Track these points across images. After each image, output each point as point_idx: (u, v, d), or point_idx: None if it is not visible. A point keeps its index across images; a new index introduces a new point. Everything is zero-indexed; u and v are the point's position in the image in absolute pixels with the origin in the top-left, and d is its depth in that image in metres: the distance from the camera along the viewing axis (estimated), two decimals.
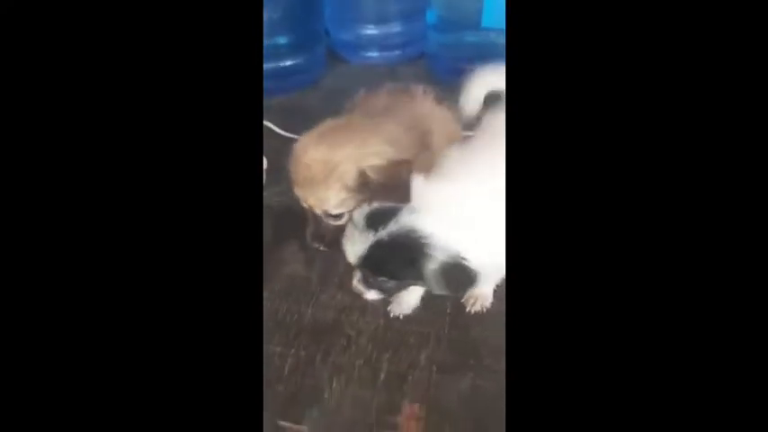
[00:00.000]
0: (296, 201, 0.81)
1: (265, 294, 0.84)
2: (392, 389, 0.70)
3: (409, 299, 0.79)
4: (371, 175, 0.72)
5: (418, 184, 0.66)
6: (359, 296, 0.69)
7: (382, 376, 0.71)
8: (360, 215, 0.65)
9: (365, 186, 0.73)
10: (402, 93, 0.91)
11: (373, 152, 0.73)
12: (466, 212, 0.65)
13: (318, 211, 0.77)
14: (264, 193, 1.04)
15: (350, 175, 0.73)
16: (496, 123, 0.76)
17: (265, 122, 1.25)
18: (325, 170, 0.73)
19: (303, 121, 1.24)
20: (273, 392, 0.70)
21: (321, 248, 0.81)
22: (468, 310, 0.79)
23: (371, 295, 0.69)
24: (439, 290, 0.66)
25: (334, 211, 0.76)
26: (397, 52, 1.58)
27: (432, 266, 0.62)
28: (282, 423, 0.66)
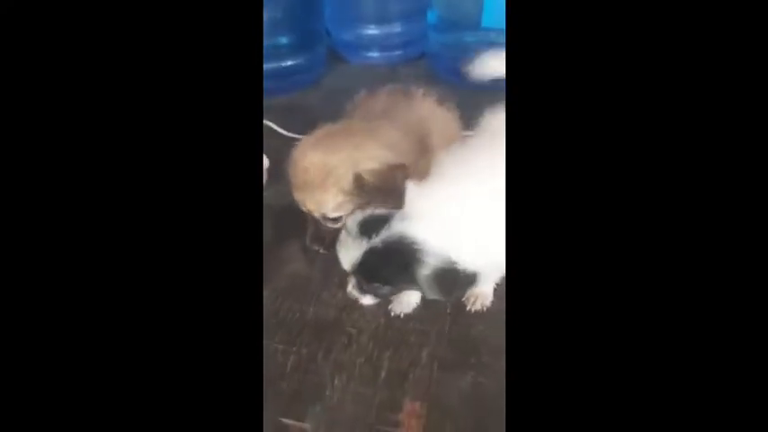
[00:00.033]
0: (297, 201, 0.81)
1: (267, 293, 0.85)
2: (393, 387, 0.70)
3: (409, 298, 0.79)
4: (367, 178, 0.73)
5: (412, 189, 0.67)
6: None
7: (383, 374, 0.72)
8: (353, 222, 0.67)
9: (361, 190, 0.74)
10: (402, 94, 0.91)
11: (369, 156, 0.74)
12: (465, 212, 0.66)
13: (317, 215, 0.78)
14: (266, 193, 1.04)
15: (346, 179, 0.74)
16: (496, 123, 0.77)
17: (267, 122, 1.25)
18: (322, 174, 0.74)
19: (304, 120, 1.25)
20: (276, 390, 0.70)
21: (321, 251, 0.81)
22: (468, 308, 0.79)
23: (366, 300, 0.71)
24: (432, 294, 0.68)
25: (332, 215, 0.76)
26: (397, 52, 1.59)
27: (424, 272, 0.64)
28: (285, 420, 0.67)
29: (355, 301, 0.71)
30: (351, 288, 0.71)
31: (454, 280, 0.66)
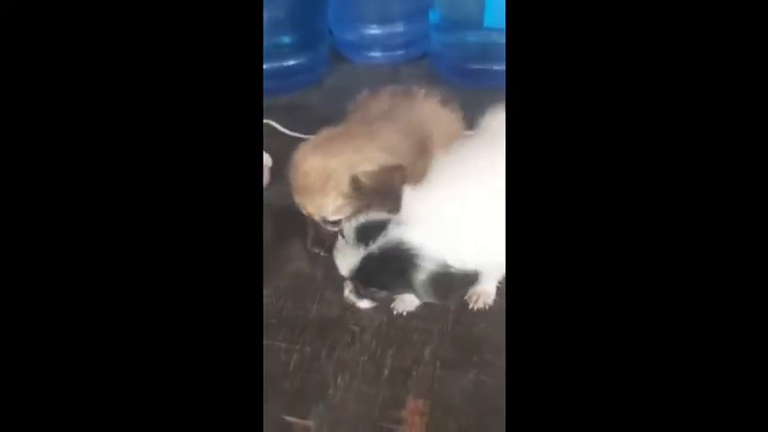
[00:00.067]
0: None
1: (270, 291, 0.85)
2: (396, 384, 0.70)
3: (412, 297, 0.80)
4: (363, 180, 0.74)
5: (410, 192, 0.69)
6: None
7: (386, 372, 0.72)
8: (350, 229, 0.68)
9: (359, 192, 0.74)
10: (403, 95, 0.91)
11: (367, 158, 0.75)
12: (465, 212, 0.67)
13: (317, 218, 0.79)
14: (268, 192, 1.05)
15: (345, 182, 0.75)
16: (496, 123, 0.77)
17: (270, 121, 1.26)
18: (321, 178, 0.75)
19: (307, 119, 1.26)
20: (279, 388, 0.70)
21: (322, 254, 0.82)
22: (470, 307, 0.80)
23: (364, 304, 0.73)
24: (427, 298, 0.69)
25: (332, 218, 0.77)
26: (399, 52, 1.59)
27: (421, 277, 0.65)
28: (288, 418, 0.67)
29: None
30: (348, 293, 0.73)
31: (450, 284, 0.67)
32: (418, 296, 0.71)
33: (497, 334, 0.76)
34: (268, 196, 1.02)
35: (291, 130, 1.23)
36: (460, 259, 0.66)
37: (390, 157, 0.75)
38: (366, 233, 0.66)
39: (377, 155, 0.75)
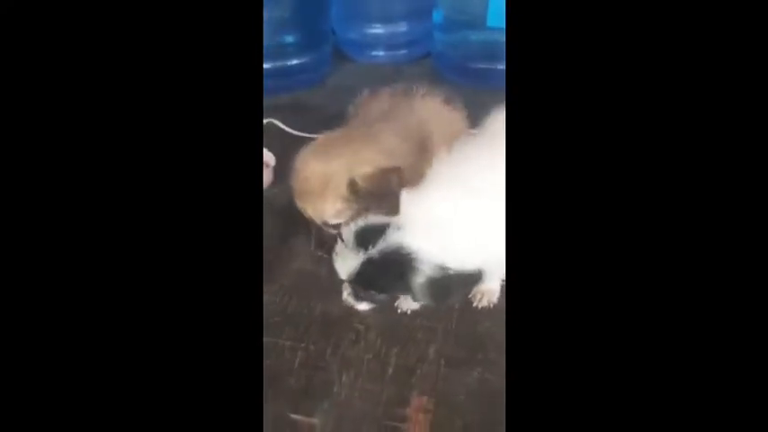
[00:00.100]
0: None
1: (275, 289, 0.85)
2: (401, 382, 0.71)
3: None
4: (360, 183, 0.74)
5: (409, 194, 0.69)
6: None
7: (390, 370, 0.72)
8: (349, 233, 0.69)
9: (356, 195, 0.75)
10: (403, 95, 0.92)
11: (365, 161, 0.76)
12: (466, 211, 0.67)
13: (319, 222, 0.80)
14: (272, 190, 1.05)
15: (343, 186, 0.75)
16: (499, 123, 0.77)
17: (273, 120, 1.26)
18: (321, 182, 0.76)
19: (310, 118, 1.27)
20: (284, 386, 0.71)
21: (324, 256, 0.83)
22: (475, 305, 0.80)
23: (362, 306, 0.73)
24: (425, 300, 0.69)
25: (333, 221, 0.78)
26: (402, 51, 1.59)
27: (419, 280, 0.66)
28: (294, 416, 0.67)
29: None
30: (346, 295, 0.74)
31: (448, 287, 0.68)
32: (416, 299, 0.72)
33: (501, 332, 0.76)
34: (272, 195, 1.03)
35: (295, 129, 1.24)
36: (460, 260, 0.67)
37: (389, 159, 0.76)
38: (365, 237, 0.67)
39: (375, 157, 0.76)
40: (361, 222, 0.69)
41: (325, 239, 0.81)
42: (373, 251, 0.66)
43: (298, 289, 0.85)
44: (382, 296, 0.72)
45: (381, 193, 0.72)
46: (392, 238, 0.66)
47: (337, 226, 0.78)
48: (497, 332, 0.76)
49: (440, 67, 1.50)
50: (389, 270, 0.66)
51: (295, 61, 1.43)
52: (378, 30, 1.55)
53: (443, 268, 0.66)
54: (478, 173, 0.69)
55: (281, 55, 1.40)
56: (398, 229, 0.66)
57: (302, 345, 0.76)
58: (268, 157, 1.09)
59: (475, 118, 0.88)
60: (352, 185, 0.74)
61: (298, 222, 0.85)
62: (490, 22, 1.32)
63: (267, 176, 1.07)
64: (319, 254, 0.83)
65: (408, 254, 0.65)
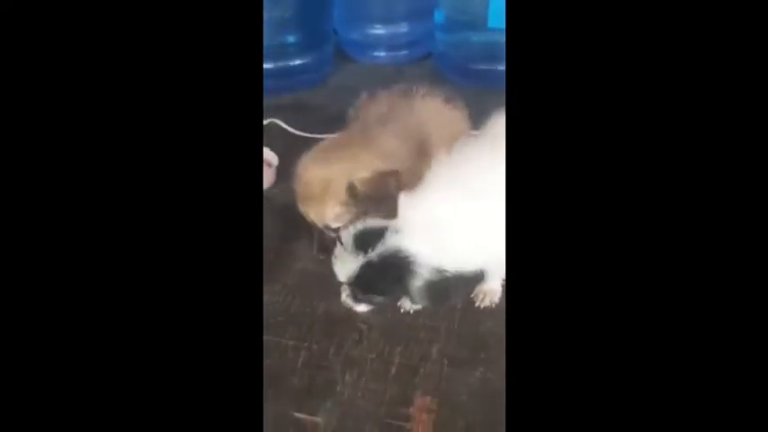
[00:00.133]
0: None
1: (278, 289, 0.86)
2: (404, 382, 0.71)
3: None
4: (359, 187, 0.75)
5: (408, 197, 0.70)
6: None
7: (394, 370, 0.73)
8: (348, 236, 0.69)
9: (355, 199, 0.76)
10: (403, 97, 0.92)
11: (363, 166, 0.77)
12: (466, 213, 0.67)
13: (320, 225, 0.81)
14: (274, 190, 1.05)
15: (342, 190, 0.76)
16: (499, 125, 0.77)
17: (275, 120, 1.26)
18: (321, 187, 0.77)
19: (312, 118, 1.27)
20: (288, 385, 0.71)
21: (326, 260, 0.83)
22: (477, 305, 0.80)
23: (361, 308, 0.74)
24: (423, 303, 0.70)
25: (333, 225, 0.79)
26: (404, 52, 1.59)
27: (417, 283, 0.66)
28: (297, 415, 0.67)
29: None
30: (345, 297, 0.74)
31: (446, 289, 0.69)
32: (414, 302, 0.72)
33: (503, 332, 0.76)
34: (274, 194, 1.03)
35: (297, 128, 1.24)
36: (460, 262, 0.68)
37: (388, 163, 0.77)
38: (364, 240, 0.68)
39: (373, 162, 0.77)
40: (359, 225, 0.70)
41: (327, 243, 0.82)
42: (372, 254, 0.67)
43: (301, 288, 0.86)
44: (380, 298, 0.72)
45: (379, 197, 0.73)
46: (390, 242, 0.66)
47: (338, 229, 0.78)
48: (499, 332, 0.76)
49: (441, 68, 1.50)
50: (388, 273, 0.67)
51: (297, 61, 1.43)
52: (379, 30, 1.56)
53: (441, 271, 0.66)
54: (479, 174, 0.70)
55: (284, 55, 1.41)
56: (397, 232, 0.67)
57: (305, 344, 0.77)
58: (271, 156, 1.09)
59: (477, 119, 0.88)
60: (351, 190, 0.76)
61: (300, 222, 0.85)
62: (491, 23, 1.32)
63: (270, 176, 1.07)
64: (321, 257, 0.84)
65: (406, 257, 0.66)
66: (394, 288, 0.69)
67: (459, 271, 0.68)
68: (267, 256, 0.89)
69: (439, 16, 1.44)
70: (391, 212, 0.70)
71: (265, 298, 0.84)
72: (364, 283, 0.69)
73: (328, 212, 0.78)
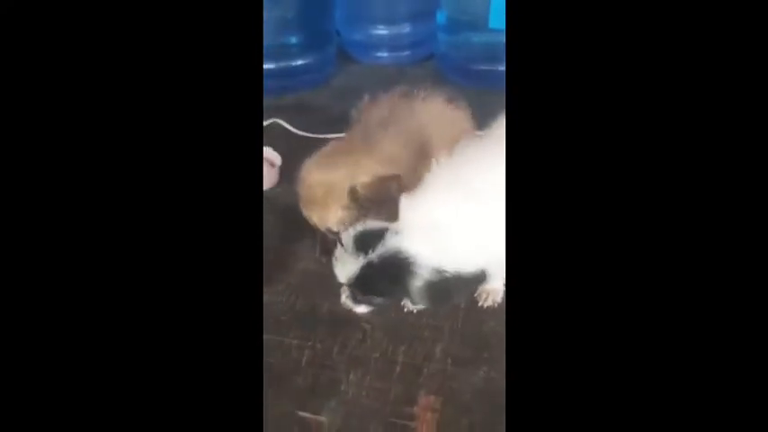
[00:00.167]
0: None
1: (281, 288, 0.86)
2: (408, 381, 0.71)
3: None
4: (360, 191, 0.77)
5: (408, 199, 0.70)
6: None
7: (398, 369, 0.73)
8: (348, 237, 0.69)
9: (357, 203, 0.77)
10: (404, 99, 0.92)
11: (365, 170, 0.78)
12: (467, 212, 0.67)
13: (323, 229, 0.82)
14: (277, 190, 1.06)
15: (344, 195, 0.78)
16: (500, 126, 0.78)
17: (278, 120, 1.27)
18: (324, 191, 0.78)
19: (315, 119, 1.27)
20: (292, 384, 0.71)
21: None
22: (480, 304, 0.80)
23: (360, 309, 0.74)
24: (423, 304, 0.70)
25: (336, 229, 0.80)
26: (406, 52, 1.59)
27: (417, 284, 0.67)
28: (302, 414, 0.68)
29: None
30: (344, 298, 0.74)
31: (447, 290, 0.69)
32: (414, 302, 0.73)
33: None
34: (277, 194, 1.03)
35: (300, 129, 1.24)
36: (460, 262, 0.68)
37: (389, 167, 0.78)
38: (365, 241, 0.68)
39: (375, 167, 0.78)
40: (360, 227, 0.70)
41: (330, 246, 0.82)
42: (372, 255, 0.67)
43: (304, 288, 0.86)
44: (380, 299, 0.73)
45: (381, 201, 0.74)
46: (391, 243, 0.67)
47: (339, 233, 0.79)
48: (502, 331, 0.77)
49: (443, 69, 1.50)
50: (388, 274, 0.68)
51: (299, 62, 1.43)
52: (382, 31, 1.56)
53: (441, 272, 0.66)
54: (480, 175, 0.70)
55: (286, 55, 1.41)
56: (397, 233, 0.67)
57: (309, 343, 0.77)
58: (273, 156, 1.09)
59: (482, 120, 0.88)
60: (353, 194, 0.77)
61: (303, 222, 0.85)
62: (492, 23, 1.32)
63: (273, 176, 1.08)
64: (324, 260, 0.85)
65: (406, 258, 0.66)
66: (394, 289, 0.70)
67: (460, 271, 0.68)
68: (270, 255, 0.89)
69: (441, 17, 1.44)
70: (392, 216, 0.70)
71: (268, 297, 0.84)
72: (364, 284, 0.70)
73: (331, 216, 0.79)
